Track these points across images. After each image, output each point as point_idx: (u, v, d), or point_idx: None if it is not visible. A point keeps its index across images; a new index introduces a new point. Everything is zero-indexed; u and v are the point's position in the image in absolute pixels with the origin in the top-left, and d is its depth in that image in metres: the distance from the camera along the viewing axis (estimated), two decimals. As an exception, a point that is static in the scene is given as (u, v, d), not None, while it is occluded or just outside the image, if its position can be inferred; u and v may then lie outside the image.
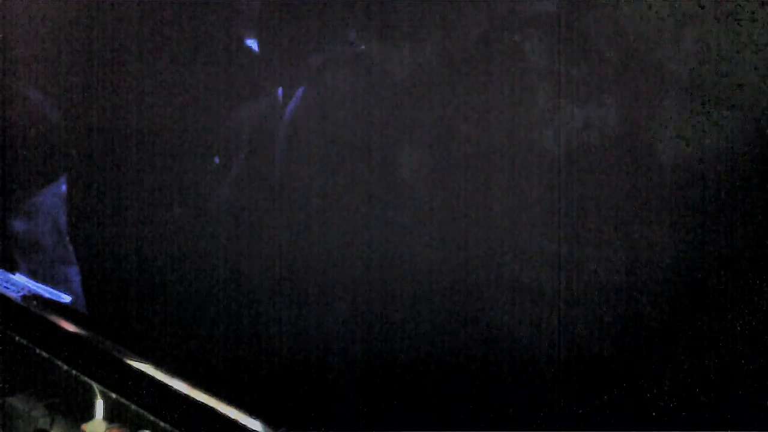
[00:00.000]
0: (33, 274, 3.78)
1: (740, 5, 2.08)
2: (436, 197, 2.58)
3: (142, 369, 3.11)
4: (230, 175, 3.04)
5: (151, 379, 3.06)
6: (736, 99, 2.10)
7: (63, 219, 3.73)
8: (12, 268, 3.84)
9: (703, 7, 2.13)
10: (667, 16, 2.19)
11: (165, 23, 3.21)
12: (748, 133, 2.09)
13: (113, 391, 3.18)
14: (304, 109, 2.90)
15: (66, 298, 3.60)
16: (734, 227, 2.11)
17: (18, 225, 3.89)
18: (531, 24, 2.40)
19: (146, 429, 3.08)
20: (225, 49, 3.06)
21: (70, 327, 3.40)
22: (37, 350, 3.42)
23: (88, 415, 3.33)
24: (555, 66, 2.34)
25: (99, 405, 3.28)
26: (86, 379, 3.27)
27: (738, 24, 2.09)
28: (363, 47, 2.72)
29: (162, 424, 2.99)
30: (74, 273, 3.65)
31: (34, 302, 3.56)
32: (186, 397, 2.94)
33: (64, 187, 3.72)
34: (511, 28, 2.43)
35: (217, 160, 3.08)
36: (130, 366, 3.14)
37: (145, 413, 3.05)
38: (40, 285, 3.68)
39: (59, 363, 3.34)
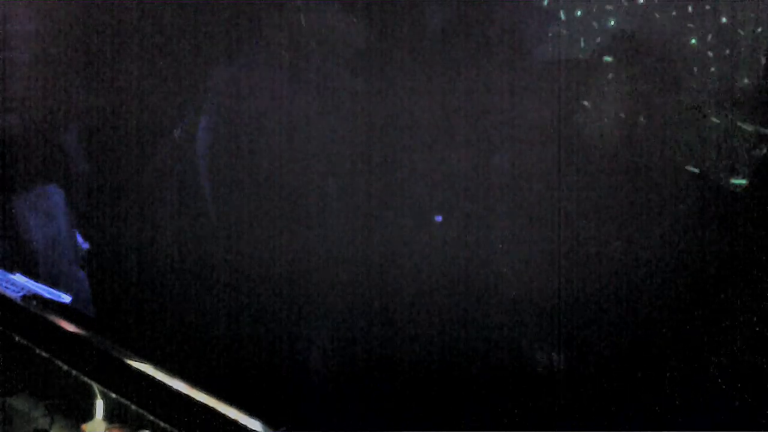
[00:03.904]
0: (36, 276, 3.78)
1: None
2: (435, 198, 2.58)
3: (142, 369, 3.10)
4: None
5: (151, 379, 3.06)
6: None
7: (65, 219, 3.73)
8: (12, 268, 3.83)
9: None
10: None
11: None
12: (749, 134, 2.09)
13: (113, 391, 3.18)
14: (216, 137, 2.93)
15: (66, 298, 3.60)
16: (735, 227, 2.11)
17: (19, 225, 3.89)
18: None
19: (146, 429, 3.08)
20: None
21: (70, 327, 3.40)
22: (37, 350, 3.42)
23: (88, 415, 3.32)
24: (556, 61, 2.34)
25: (99, 405, 3.28)
26: (86, 379, 3.26)
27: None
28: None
29: (162, 424, 2.99)
30: (82, 276, 3.65)
31: (34, 302, 3.56)
32: (186, 397, 2.94)
33: (64, 188, 3.72)
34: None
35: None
36: (130, 366, 3.13)
37: (145, 413, 3.05)
38: (40, 285, 3.67)
39: (59, 363, 3.34)
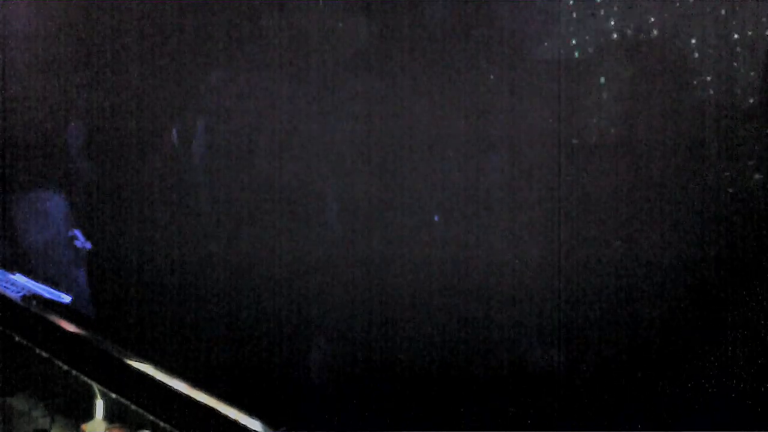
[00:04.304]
0: (35, 276, 3.78)
1: None
2: (434, 198, 2.58)
3: (142, 369, 3.10)
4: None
5: (151, 379, 3.05)
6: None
7: (64, 221, 3.73)
8: (12, 268, 3.83)
9: None
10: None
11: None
12: (749, 133, 2.09)
13: (113, 391, 3.17)
14: (214, 140, 2.93)
15: (66, 298, 3.60)
16: (735, 227, 2.11)
17: (18, 227, 3.89)
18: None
19: (146, 429, 3.08)
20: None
21: (70, 327, 3.40)
22: (37, 350, 3.42)
23: (88, 415, 3.32)
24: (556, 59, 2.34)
25: (99, 405, 3.28)
26: (86, 379, 3.26)
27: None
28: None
29: (162, 424, 2.99)
30: (81, 275, 3.65)
31: (34, 302, 3.55)
32: (186, 397, 2.94)
33: (63, 189, 3.72)
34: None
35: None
36: (130, 366, 3.13)
37: (145, 413, 3.05)
38: (40, 285, 3.67)
39: (59, 363, 3.34)
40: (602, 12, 2.29)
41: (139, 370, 3.11)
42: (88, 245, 3.59)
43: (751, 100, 2.09)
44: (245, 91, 3.01)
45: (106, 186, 3.53)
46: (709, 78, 2.14)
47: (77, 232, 3.64)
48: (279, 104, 2.90)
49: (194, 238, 3.18)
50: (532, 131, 2.38)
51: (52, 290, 3.64)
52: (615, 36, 2.27)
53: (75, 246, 3.63)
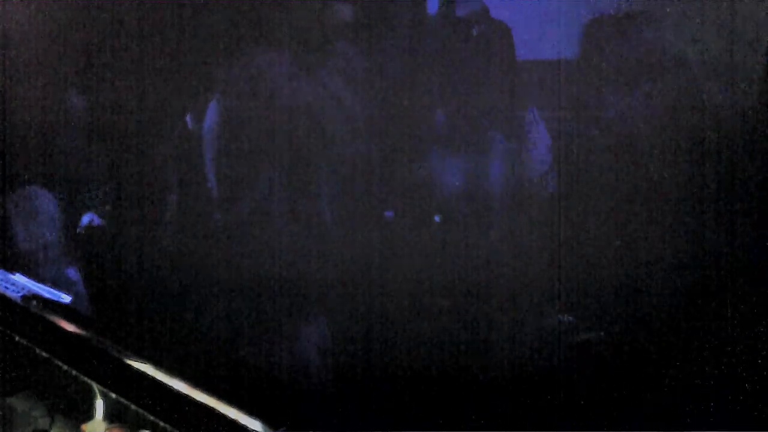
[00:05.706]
0: (33, 275, 3.78)
1: None
2: (434, 197, 2.58)
3: (142, 369, 3.10)
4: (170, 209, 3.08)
5: (151, 379, 3.05)
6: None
7: (63, 219, 3.73)
8: (12, 268, 3.83)
9: None
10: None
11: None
12: (749, 132, 2.09)
13: (113, 391, 3.17)
14: (223, 121, 2.92)
15: (66, 298, 3.60)
16: (735, 227, 2.11)
17: (18, 225, 3.89)
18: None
19: (146, 429, 3.08)
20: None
21: (70, 327, 3.40)
22: (37, 350, 3.42)
23: (88, 415, 3.32)
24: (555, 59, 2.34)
25: (99, 405, 3.28)
26: (86, 379, 3.26)
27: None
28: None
29: (162, 424, 2.99)
30: (74, 273, 3.65)
31: (34, 302, 3.55)
32: (186, 397, 2.94)
33: (60, 188, 3.72)
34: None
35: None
36: (130, 366, 3.13)
37: (145, 413, 3.05)
38: (40, 285, 3.67)
39: (59, 363, 3.34)
40: None
41: (139, 370, 3.11)
42: (99, 221, 3.59)
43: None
44: (248, 89, 3.01)
45: (106, 182, 3.54)
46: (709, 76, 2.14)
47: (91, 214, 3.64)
48: (281, 102, 2.91)
49: (195, 237, 3.18)
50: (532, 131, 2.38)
51: (52, 290, 3.64)
52: None
53: (69, 248, 3.63)
